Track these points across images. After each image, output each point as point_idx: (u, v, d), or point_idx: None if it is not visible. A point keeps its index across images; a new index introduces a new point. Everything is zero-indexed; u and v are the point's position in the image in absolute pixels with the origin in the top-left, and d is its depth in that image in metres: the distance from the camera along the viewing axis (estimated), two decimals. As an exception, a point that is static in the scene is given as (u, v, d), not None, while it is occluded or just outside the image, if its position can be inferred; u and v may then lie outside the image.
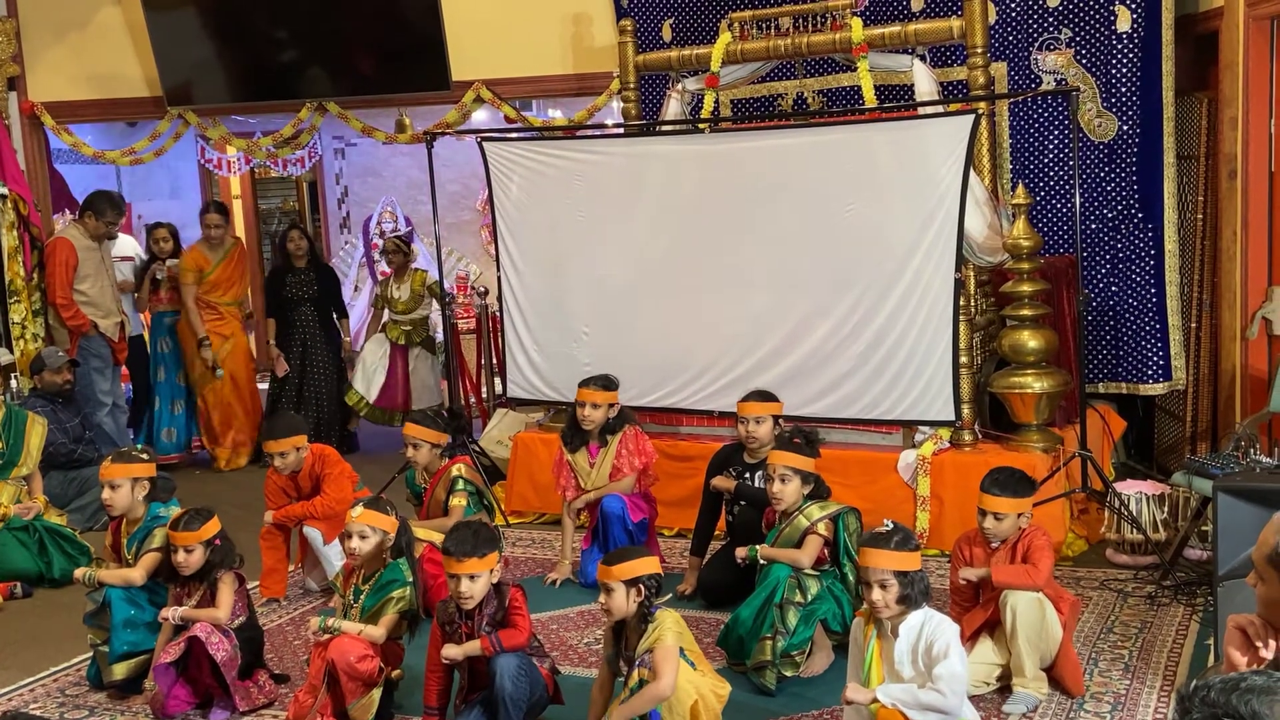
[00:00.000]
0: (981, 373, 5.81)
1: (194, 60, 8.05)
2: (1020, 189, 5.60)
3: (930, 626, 3.36)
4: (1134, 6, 5.95)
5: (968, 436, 5.65)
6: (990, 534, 4.06)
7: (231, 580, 4.24)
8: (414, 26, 7.58)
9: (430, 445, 5.22)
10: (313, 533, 5.24)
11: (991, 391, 5.76)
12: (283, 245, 8.08)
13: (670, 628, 3.48)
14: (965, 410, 5.56)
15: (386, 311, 8.02)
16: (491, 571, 3.69)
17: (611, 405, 5.31)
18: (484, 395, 8.45)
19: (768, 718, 3.99)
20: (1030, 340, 5.57)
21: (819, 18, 6.04)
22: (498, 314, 6.88)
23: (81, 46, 8.30)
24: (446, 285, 8.00)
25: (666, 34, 7.12)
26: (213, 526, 4.22)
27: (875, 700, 3.29)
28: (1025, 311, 5.60)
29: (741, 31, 6.23)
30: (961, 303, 5.51)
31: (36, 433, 6.10)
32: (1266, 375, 5.49)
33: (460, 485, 5.09)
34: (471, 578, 3.66)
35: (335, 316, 8.14)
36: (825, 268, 5.69)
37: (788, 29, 6.10)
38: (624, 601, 3.50)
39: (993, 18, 6.06)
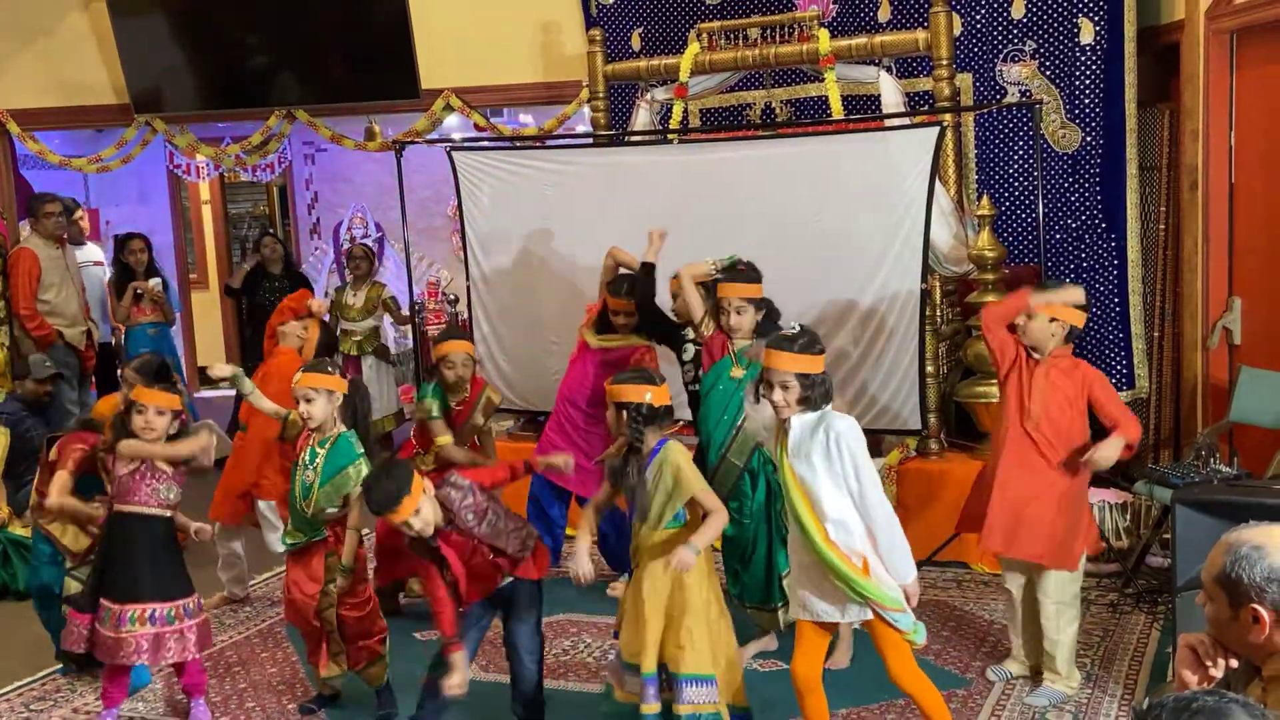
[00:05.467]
0: (947, 382, 5.86)
1: (161, 67, 8.01)
2: (985, 200, 5.65)
3: (828, 423, 3.45)
4: (1097, 19, 6.01)
5: (934, 445, 5.70)
6: (1022, 335, 4.11)
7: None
8: (383, 34, 7.56)
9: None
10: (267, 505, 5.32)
11: (957, 400, 5.81)
12: (256, 250, 8.06)
13: (683, 466, 3.58)
14: (931, 419, 5.61)
15: (340, 321, 7.86)
16: (425, 493, 3.60)
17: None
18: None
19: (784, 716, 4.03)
20: (995, 350, 5.61)
21: (787, 29, 6.08)
22: (467, 322, 6.87)
23: (48, 53, 8.24)
24: (417, 291, 7.97)
25: (636, 43, 7.14)
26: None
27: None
28: (990, 321, 5.65)
29: (710, 42, 6.26)
30: (927, 313, 5.57)
31: (-2, 443, 6.05)
32: (1227, 384, 5.56)
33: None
34: (417, 512, 3.56)
35: None
36: (792, 277, 5.68)
37: (756, 40, 6.14)
38: (616, 419, 3.65)
39: (958, 30, 6.11)
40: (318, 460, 4.13)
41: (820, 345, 3.57)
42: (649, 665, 3.57)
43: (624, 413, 3.63)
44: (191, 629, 4.15)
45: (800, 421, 3.48)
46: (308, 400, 4.14)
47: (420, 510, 3.56)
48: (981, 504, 4.16)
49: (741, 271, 4.52)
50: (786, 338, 3.53)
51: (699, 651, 3.55)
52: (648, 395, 3.61)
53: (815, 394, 3.47)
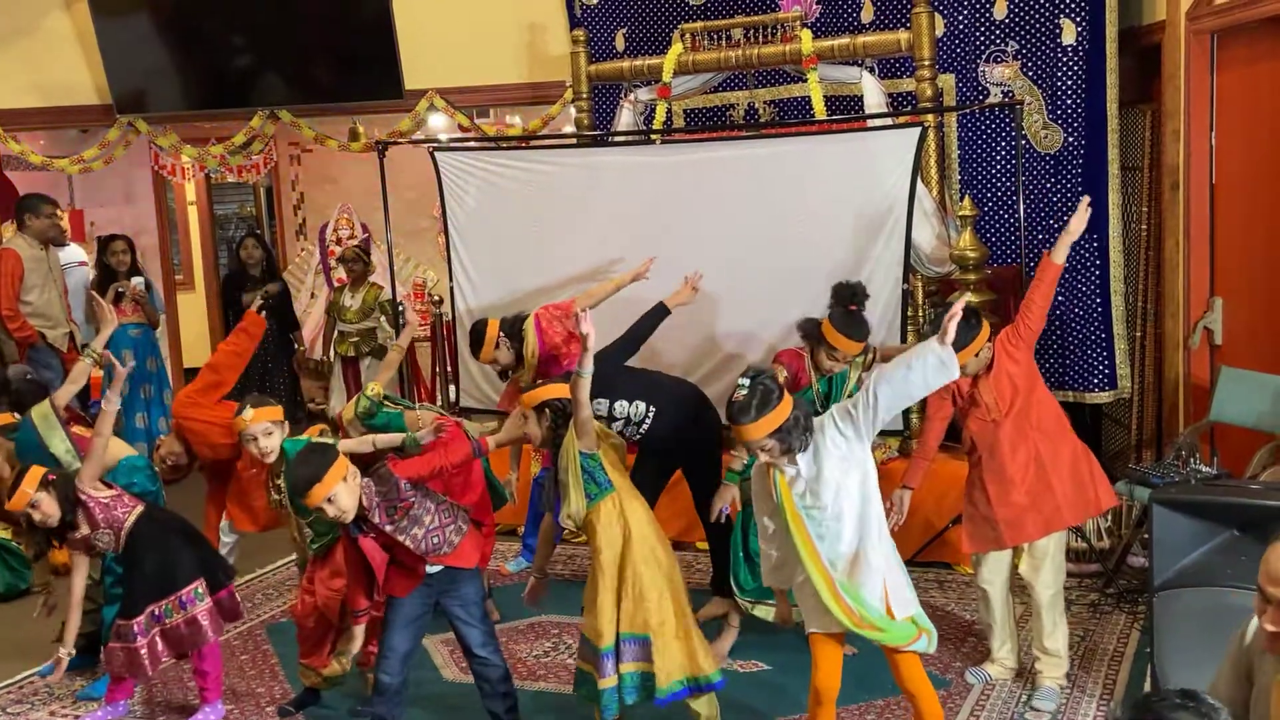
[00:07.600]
0: (930, 382, 5.85)
1: (144, 68, 7.98)
2: (967, 200, 5.65)
3: (824, 434, 3.37)
4: (1078, 20, 6.02)
5: (915, 445, 5.68)
6: (965, 374, 4.10)
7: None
8: (367, 34, 7.55)
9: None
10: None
11: (939, 401, 5.80)
12: (237, 252, 8.04)
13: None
14: (913, 419, 5.61)
15: (338, 322, 7.92)
16: (344, 480, 3.53)
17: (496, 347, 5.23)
18: (439, 404, 8.43)
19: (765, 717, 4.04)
20: (977, 350, 5.61)
21: (770, 29, 6.08)
22: (451, 323, 6.86)
23: (30, 54, 8.19)
24: (403, 293, 7.96)
25: (620, 44, 7.13)
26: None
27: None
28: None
29: (693, 42, 6.26)
30: (910, 313, 5.57)
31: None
32: (1208, 384, 5.57)
33: None
34: (330, 499, 3.51)
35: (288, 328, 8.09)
36: (776, 277, 5.72)
37: (739, 40, 6.14)
38: (537, 427, 3.72)
39: (940, 30, 6.12)
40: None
41: (777, 392, 3.29)
42: (606, 640, 3.62)
43: (546, 411, 3.69)
44: (202, 615, 4.12)
45: (801, 461, 3.35)
46: (268, 434, 4.09)
47: (334, 498, 3.50)
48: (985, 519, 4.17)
49: (859, 324, 4.50)
50: (741, 408, 3.27)
51: (635, 611, 3.60)
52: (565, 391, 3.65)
53: (794, 439, 3.31)
